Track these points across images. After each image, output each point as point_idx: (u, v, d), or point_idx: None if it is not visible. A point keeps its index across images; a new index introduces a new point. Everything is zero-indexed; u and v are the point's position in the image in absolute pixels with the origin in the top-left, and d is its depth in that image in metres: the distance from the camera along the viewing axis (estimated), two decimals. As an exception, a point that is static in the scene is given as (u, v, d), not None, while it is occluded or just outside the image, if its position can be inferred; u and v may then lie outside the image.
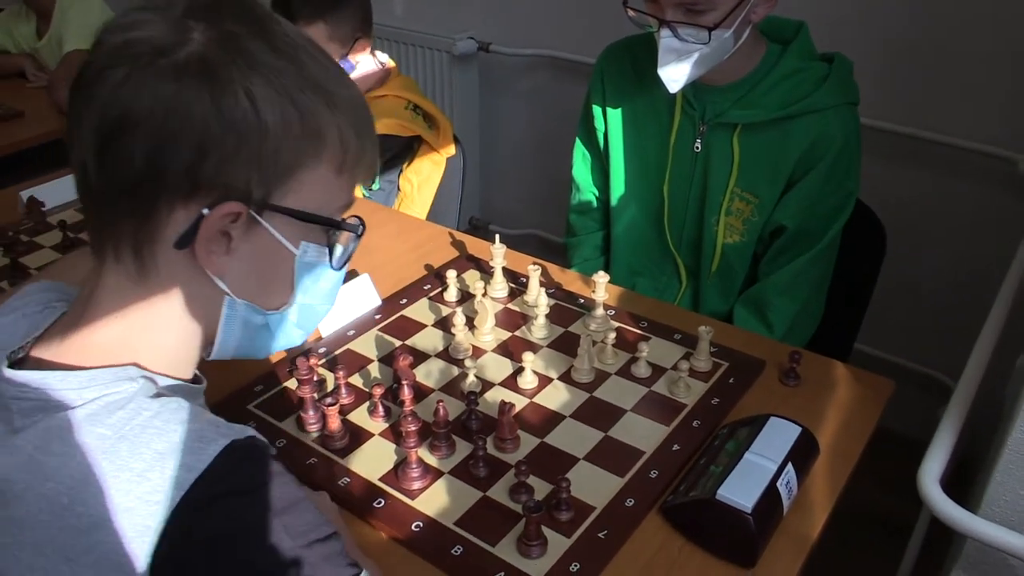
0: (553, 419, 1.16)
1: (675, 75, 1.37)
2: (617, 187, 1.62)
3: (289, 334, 0.84)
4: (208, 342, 0.80)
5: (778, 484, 0.99)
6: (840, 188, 1.43)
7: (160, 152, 0.68)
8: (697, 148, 1.48)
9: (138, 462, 0.68)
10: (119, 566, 0.66)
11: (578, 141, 1.71)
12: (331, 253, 0.80)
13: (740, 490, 0.96)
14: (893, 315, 2.28)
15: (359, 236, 0.81)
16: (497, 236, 1.46)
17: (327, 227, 0.78)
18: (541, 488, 1.04)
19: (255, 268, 0.76)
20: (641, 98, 1.54)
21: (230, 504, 0.68)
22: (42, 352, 0.76)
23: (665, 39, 1.34)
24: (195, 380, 0.82)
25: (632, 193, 1.61)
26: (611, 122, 1.59)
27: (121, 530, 0.66)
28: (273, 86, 0.70)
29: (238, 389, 1.23)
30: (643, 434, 1.13)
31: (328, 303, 0.85)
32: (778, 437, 1.05)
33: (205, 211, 0.70)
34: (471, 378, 1.21)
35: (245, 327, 0.80)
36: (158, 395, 0.73)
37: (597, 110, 1.62)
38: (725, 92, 1.45)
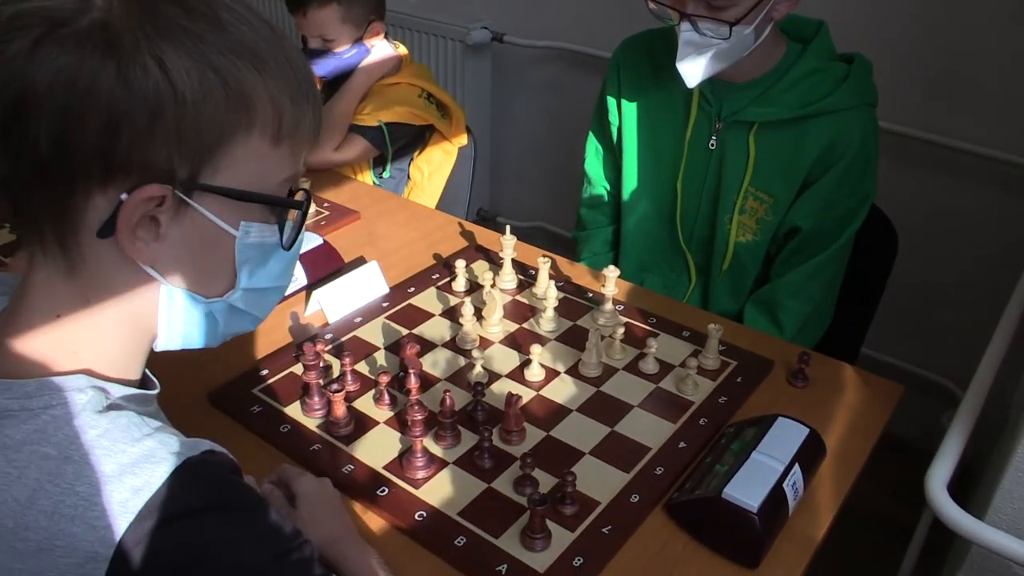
0: (559, 412, 1.16)
1: (693, 70, 1.37)
2: (629, 182, 1.62)
3: (238, 321, 0.77)
4: (153, 335, 0.74)
5: (784, 485, 0.99)
6: (856, 190, 1.43)
7: (66, 133, 0.61)
8: (712, 145, 1.48)
9: (84, 485, 0.63)
10: None
11: (591, 135, 1.70)
12: (281, 231, 0.74)
13: (746, 489, 0.96)
14: (898, 319, 2.27)
15: (305, 211, 0.75)
16: (508, 227, 1.46)
17: (268, 205, 0.72)
18: (546, 481, 1.04)
19: (190, 253, 0.70)
20: (657, 93, 1.54)
21: (184, 527, 0.63)
22: None
23: (685, 33, 1.34)
24: (146, 384, 0.78)
25: (645, 188, 1.60)
26: (626, 116, 1.59)
27: (68, 556, 0.62)
28: (188, 52, 0.63)
29: (242, 373, 1.23)
30: (649, 430, 1.13)
31: (281, 284, 0.78)
32: (786, 437, 1.05)
33: (124, 196, 0.64)
34: (478, 369, 1.21)
35: (187, 316, 0.73)
36: (108, 408, 0.68)
37: (612, 103, 1.61)
38: (743, 89, 1.45)
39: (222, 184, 0.67)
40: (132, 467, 0.64)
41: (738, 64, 1.38)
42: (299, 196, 0.75)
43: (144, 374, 0.78)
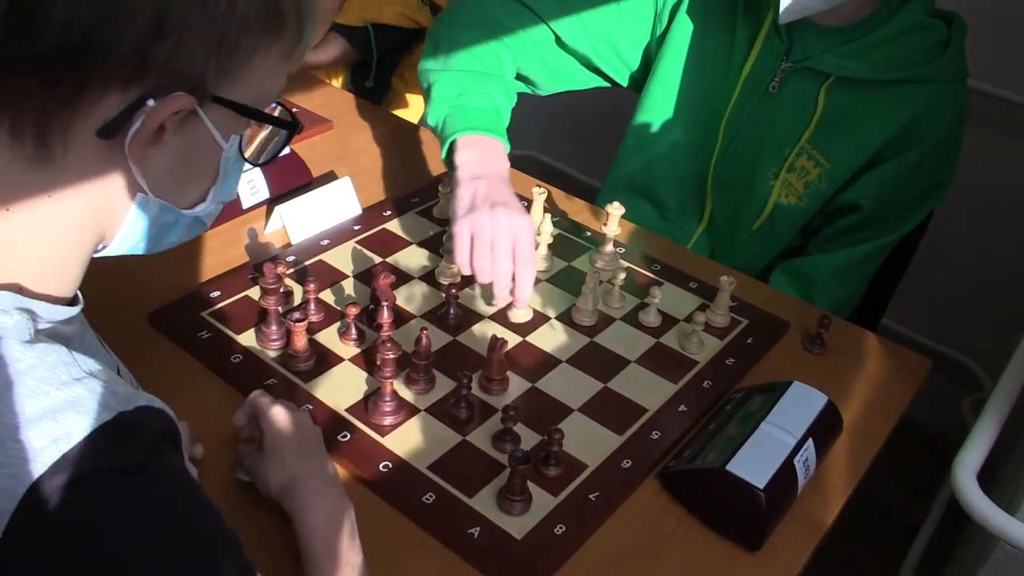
0: (547, 362, 1.15)
1: (796, 4, 1.28)
2: (663, 103, 1.54)
3: (193, 231, 0.80)
4: (100, 242, 0.74)
5: (795, 461, 0.98)
6: (932, 175, 1.38)
7: (105, 23, 0.62)
8: (773, 88, 1.41)
9: None
10: None
11: (576, 14, 1.53)
12: (242, 143, 0.78)
13: (753, 464, 0.95)
14: (920, 291, 2.27)
15: (292, 133, 0.80)
16: (501, 150, 1.42)
17: (263, 121, 0.75)
18: (528, 438, 1.03)
19: (181, 163, 0.72)
20: (720, 10, 1.46)
21: (93, 488, 0.61)
22: None
23: None
24: (72, 300, 0.76)
25: (682, 117, 1.53)
26: (676, 27, 1.50)
27: None
28: None
29: (190, 293, 1.20)
30: (647, 389, 1.12)
31: (229, 198, 0.82)
32: (800, 407, 1.04)
33: (151, 103, 0.65)
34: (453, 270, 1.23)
35: (152, 226, 0.75)
36: (36, 338, 0.66)
37: (652, 5, 1.52)
38: (825, 34, 1.36)
39: (235, 98, 0.70)
40: (55, 413, 0.61)
41: (839, 5, 1.29)
42: (277, 112, 0.78)
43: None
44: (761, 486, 0.93)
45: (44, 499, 0.59)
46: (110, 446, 0.62)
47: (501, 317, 1.22)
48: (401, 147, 1.62)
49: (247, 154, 0.79)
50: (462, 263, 1.17)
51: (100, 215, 0.72)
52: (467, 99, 1.32)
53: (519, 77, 1.55)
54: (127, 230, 0.74)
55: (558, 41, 1.51)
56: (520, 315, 1.20)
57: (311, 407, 1.04)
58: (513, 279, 1.17)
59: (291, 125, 0.78)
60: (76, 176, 0.68)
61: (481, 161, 1.24)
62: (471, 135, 1.26)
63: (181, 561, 0.63)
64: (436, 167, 1.56)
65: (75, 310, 0.73)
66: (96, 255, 0.75)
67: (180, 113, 0.68)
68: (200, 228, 0.81)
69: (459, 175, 1.22)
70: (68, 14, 0.61)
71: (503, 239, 1.15)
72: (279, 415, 0.94)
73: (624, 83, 1.61)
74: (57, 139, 0.66)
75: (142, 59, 0.64)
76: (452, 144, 1.27)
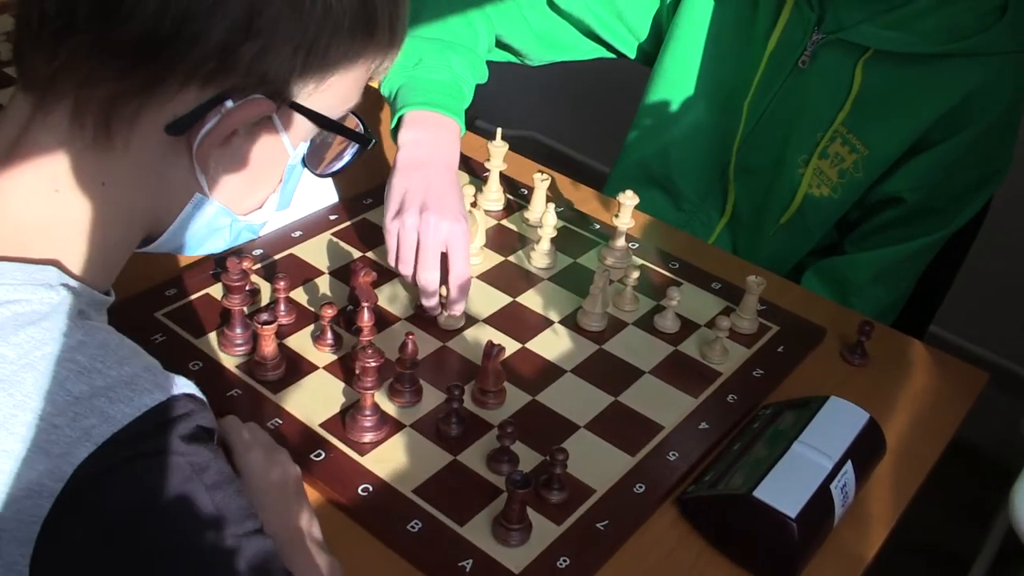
0: (550, 373, 1.15)
1: None
2: (679, 79, 1.53)
3: (241, 238, 0.87)
4: (142, 240, 0.80)
5: (832, 487, 0.98)
6: (987, 161, 1.37)
7: (195, 17, 0.67)
8: (803, 63, 1.40)
9: (45, 402, 0.65)
10: None
11: None
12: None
13: (783, 490, 0.95)
14: (974, 293, 2.26)
15: (364, 149, 0.86)
16: (499, 131, 1.41)
17: (339, 133, 0.82)
18: (528, 458, 1.03)
19: (244, 167, 0.78)
20: None
21: (152, 465, 0.66)
22: None
23: None
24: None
25: (701, 96, 1.52)
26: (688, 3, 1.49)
27: (5, 485, 0.63)
28: None
29: (143, 291, 1.19)
30: (663, 404, 1.12)
31: (284, 207, 0.89)
32: (838, 425, 1.04)
33: (228, 103, 0.71)
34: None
35: (202, 229, 0.82)
36: (81, 317, 0.70)
37: None
38: (862, 1, 1.34)
39: (312, 106, 0.76)
40: (107, 391, 0.66)
41: None
42: (353, 124, 0.84)
43: None
44: (793, 515, 0.93)
45: (93, 480, 0.64)
46: (161, 429, 0.67)
47: (500, 322, 1.22)
48: (382, 125, 1.62)
49: (310, 163, 0.86)
50: (394, 269, 1.20)
51: (153, 210, 0.78)
52: (425, 70, 1.32)
53: (503, 46, 1.54)
54: (176, 229, 0.80)
55: (550, 3, 1.50)
56: (450, 323, 1.20)
57: (280, 422, 1.04)
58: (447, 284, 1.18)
59: (366, 140, 0.84)
60: (135, 168, 0.74)
61: (425, 145, 1.24)
62: (422, 111, 1.26)
63: (216, 551, 0.68)
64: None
65: (109, 299, 0.78)
66: (138, 250, 0.80)
67: (255, 117, 0.73)
68: (248, 236, 0.88)
69: (398, 161, 1.22)
70: (160, 4, 0.66)
71: (430, 248, 1.16)
72: (256, 462, 0.91)
73: (632, 55, 1.60)
74: (121, 128, 0.71)
75: (227, 58, 0.69)
76: (400, 120, 1.27)
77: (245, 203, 0.83)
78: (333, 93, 0.77)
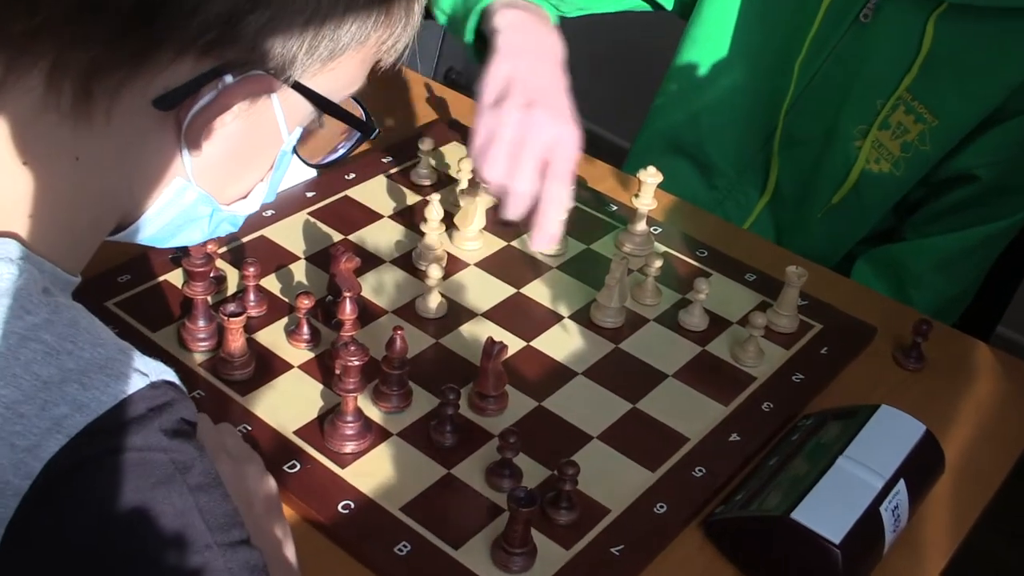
0: (559, 375, 1.16)
1: None
2: (717, 35, 1.54)
3: (218, 231, 0.88)
4: (116, 227, 0.81)
5: (882, 509, 0.99)
6: None
7: None
8: (865, 16, 1.41)
9: (9, 388, 0.65)
10: None
11: None
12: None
13: (826, 511, 0.96)
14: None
15: (365, 138, 0.90)
16: (501, 97, 1.42)
17: (340, 119, 0.84)
18: (533, 473, 1.04)
19: (233, 151, 0.80)
20: None
21: (129, 461, 0.66)
22: None
23: None
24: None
25: (743, 54, 1.52)
26: None
27: None
28: None
29: (93, 276, 1.19)
30: (688, 412, 1.13)
31: (270, 199, 0.91)
32: (889, 438, 1.05)
33: (228, 78, 0.73)
34: (433, 298, 1.21)
35: (179, 218, 0.83)
36: (46, 294, 0.71)
37: None
38: None
39: (315, 87, 0.78)
40: (80, 376, 0.66)
41: None
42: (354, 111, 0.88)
43: None
44: (837, 540, 0.94)
45: (65, 477, 0.64)
46: (140, 421, 0.67)
47: (499, 315, 1.23)
48: (371, 91, 1.63)
49: (301, 152, 0.89)
50: (476, 168, 1.17)
51: (129, 193, 0.79)
52: None
53: None
54: (151, 217, 0.81)
55: None
56: (545, 246, 1.20)
57: (248, 428, 1.05)
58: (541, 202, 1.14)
59: (369, 128, 0.87)
60: (114, 144, 0.75)
61: (529, 30, 1.22)
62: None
63: (198, 562, 0.68)
64: (416, 115, 1.57)
65: (75, 280, 0.79)
66: (106, 238, 0.81)
67: (255, 95, 0.75)
68: (228, 229, 0.89)
69: (499, 45, 1.20)
70: None
71: (531, 151, 1.13)
72: (223, 473, 0.93)
73: (668, 5, 1.61)
74: (103, 99, 0.72)
75: (231, 28, 0.70)
76: (485, 11, 1.25)
77: (229, 191, 0.85)
78: (338, 75, 0.79)
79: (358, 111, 0.88)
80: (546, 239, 1.17)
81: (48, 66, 0.71)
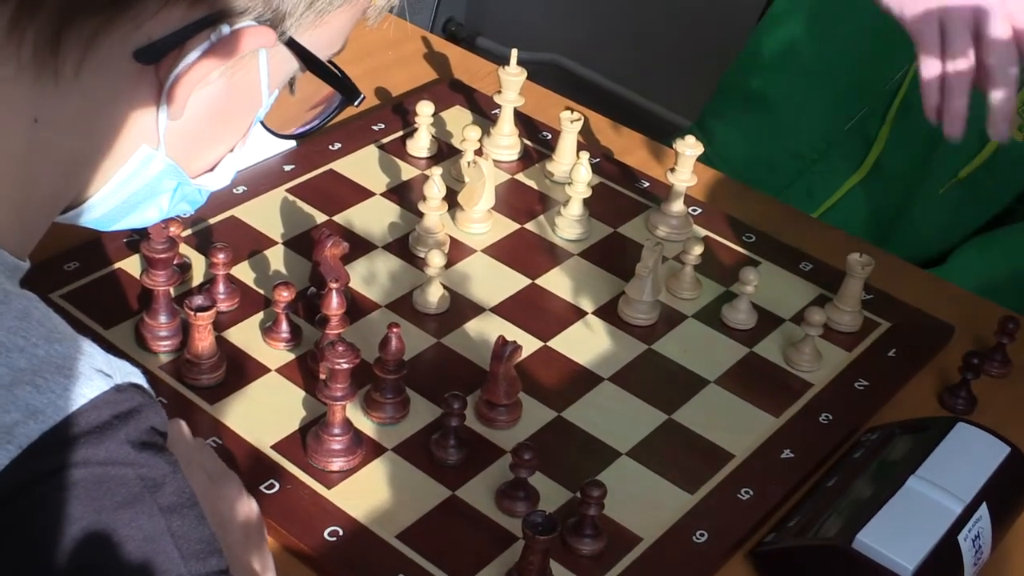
0: (582, 380, 1.16)
1: None
2: None
3: (177, 209, 0.89)
4: (65, 203, 0.80)
5: (961, 537, 0.99)
6: None
7: None
8: None
9: None
10: None
11: None
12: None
13: (895, 539, 0.97)
14: None
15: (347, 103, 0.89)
16: (513, 54, 1.43)
17: (328, 82, 0.85)
18: (552, 495, 1.05)
19: (208, 114, 0.79)
20: None
21: (90, 478, 0.65)
22: None
23: None
24: None
25: (852, 5, 1.52)
26: None
27: None
28: None
29: (36, 264, 1.19)
30: (733, 424, 1.14)
31: (235, 171, 0.92)
32: (968, 457, 1.05)
33: (225, 29, 0.73)
34: (434, 290, 1.21)
35: (143, 193, 0.82)
36: None
37: None
38: None
39: (306, 45, 0.79)
40: (34, 376, 0.65)
41: None
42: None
43: None
44: (909, 571, 0.95)
45: (15, 494, 0.63)
46: (103, 430, 0.66)
47: (511, 311, 1.23)
48: (356, 46, 1.63)
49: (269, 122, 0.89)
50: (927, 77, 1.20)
51: (90, 163, 0.78)
52: None
53: None
54: (109, 193, 0.80)
55: None
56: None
57: (219, 441, 1.05)
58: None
59: (354, 92, 0.87)
60: (79, 104, 0.74)
61: None
62: None
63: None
64: (410, 77, 1.58)
65: (24, 265, 0.78)
66: (59, 219, 0.81)
67: (248, 51, 0.75)
68: (189, 208, 0.90)
69: None
70: None
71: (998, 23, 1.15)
72: (204, 500, 0.94)
73: None
74: (73, 49, 0.71)
75: None
76: None
77: (198, 162, 0.85)
78: (323, 32, 0.80)
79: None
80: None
81: (10, 11, 0.70)
